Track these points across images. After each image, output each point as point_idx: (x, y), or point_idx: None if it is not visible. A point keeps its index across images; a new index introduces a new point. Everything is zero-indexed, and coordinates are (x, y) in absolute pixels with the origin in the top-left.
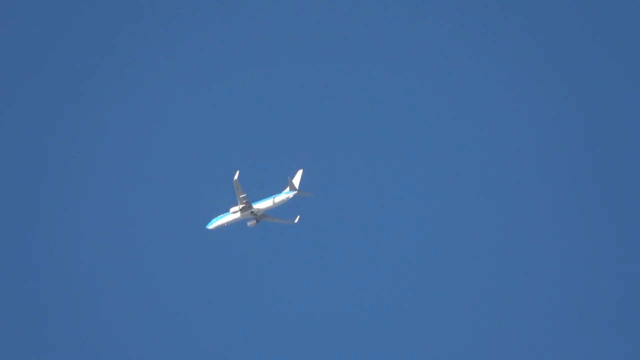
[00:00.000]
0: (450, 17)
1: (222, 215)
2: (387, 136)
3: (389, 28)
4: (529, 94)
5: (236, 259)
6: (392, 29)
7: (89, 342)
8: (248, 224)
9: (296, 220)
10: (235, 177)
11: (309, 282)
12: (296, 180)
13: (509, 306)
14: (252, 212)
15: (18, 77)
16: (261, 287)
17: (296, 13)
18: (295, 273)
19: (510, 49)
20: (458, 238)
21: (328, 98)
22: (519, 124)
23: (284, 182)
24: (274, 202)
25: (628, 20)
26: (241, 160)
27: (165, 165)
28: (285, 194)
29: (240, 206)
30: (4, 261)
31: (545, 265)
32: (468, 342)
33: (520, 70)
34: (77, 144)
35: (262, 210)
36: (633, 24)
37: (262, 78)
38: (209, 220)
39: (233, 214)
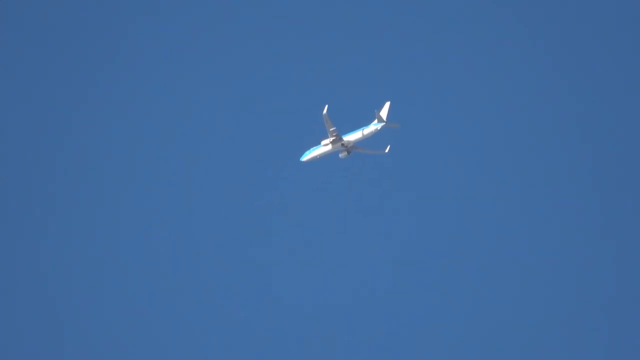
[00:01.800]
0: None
1: (314, 147)
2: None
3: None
4: (538, 91)
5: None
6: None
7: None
8: (340, 155)
9: (387, 150)
10: (324, 111)
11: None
12: (384, 112)
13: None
14: (342, 144)
15: (13, 77)
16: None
17: None
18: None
19: (518, 47)
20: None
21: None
22: (532, 122)
23: (372, 114)
24: (362, 133)
25: None
26: (329, 93)
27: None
28: (374, 126)
29: (331, 139)
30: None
31: (549, 266)
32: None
33: (530, 67)
34: (76, 143)
35: (352, 142)
36: None
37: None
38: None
39: (324, 147)
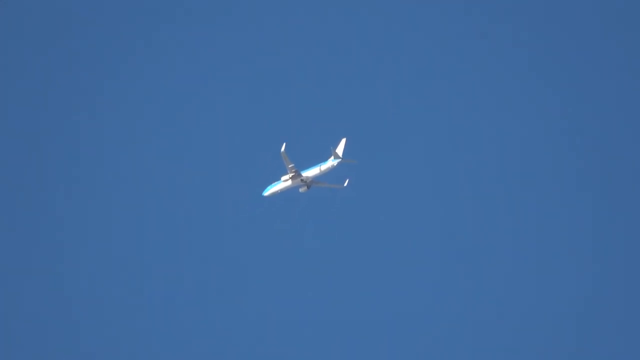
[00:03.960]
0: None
1: (275, 183)
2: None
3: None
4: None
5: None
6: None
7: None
8: (300, 190)
9: (345, 184)
10: (282, 149)
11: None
12: (340, 148)
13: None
14: (302, 180)
15: (13, 76)
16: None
17: None
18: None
19: (518, 48)
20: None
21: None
22: (528, 124)
23: (329, 151)
24: (320, 169)
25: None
26: (288, 131)
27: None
28: (331, 162)
29: (290, 174)
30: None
31: (549, 267)
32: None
33: (531, 69)
34: (75, 143)
35: (310, 177)
36: None
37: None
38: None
39: (284, 182)
